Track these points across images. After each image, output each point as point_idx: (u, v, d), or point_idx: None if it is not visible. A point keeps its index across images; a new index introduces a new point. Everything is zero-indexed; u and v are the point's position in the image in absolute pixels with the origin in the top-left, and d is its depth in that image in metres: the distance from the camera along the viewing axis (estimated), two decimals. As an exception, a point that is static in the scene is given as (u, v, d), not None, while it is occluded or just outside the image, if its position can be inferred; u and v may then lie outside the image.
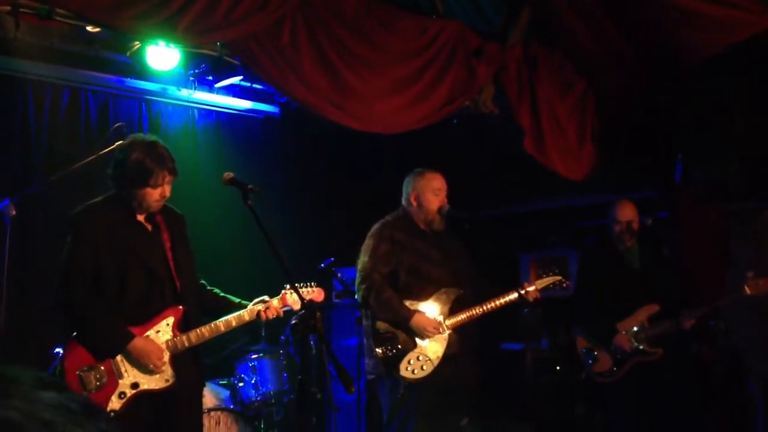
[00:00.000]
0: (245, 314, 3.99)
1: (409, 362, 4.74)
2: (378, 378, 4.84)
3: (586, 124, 6.37)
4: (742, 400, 6.05)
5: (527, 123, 6.01)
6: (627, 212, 5.56)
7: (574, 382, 5.98)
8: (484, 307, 4.87)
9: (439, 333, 4.78)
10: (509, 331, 6.89)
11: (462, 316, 4.85)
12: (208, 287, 4.18)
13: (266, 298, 4.06)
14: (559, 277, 5.10)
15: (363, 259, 4.90)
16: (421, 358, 4.75)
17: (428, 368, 4.75)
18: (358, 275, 4.89)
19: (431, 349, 4.79)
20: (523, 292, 4.87)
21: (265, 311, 4.00)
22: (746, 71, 5.86)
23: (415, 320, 4.74)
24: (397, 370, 4.72)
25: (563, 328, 6.54)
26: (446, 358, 4.79)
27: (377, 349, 4.74)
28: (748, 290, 5.26)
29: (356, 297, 4.87)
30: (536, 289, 4.95)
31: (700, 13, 5.39)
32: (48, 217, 5.30)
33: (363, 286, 4.80)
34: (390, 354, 4.73)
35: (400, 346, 4.75)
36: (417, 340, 4.79)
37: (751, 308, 5.72)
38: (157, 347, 3.75)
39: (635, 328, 5.37)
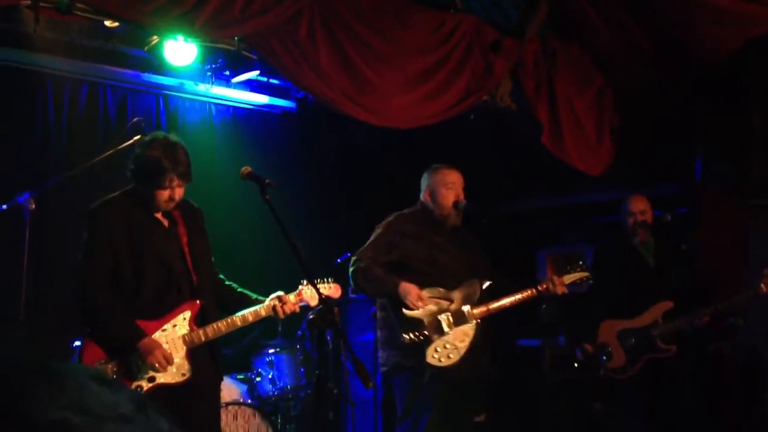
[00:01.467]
0: (262, 310, 3.99)
1: (436, 350, 4.62)
2: (392, 370, 4.77)
3: (605, 119, 6.32)
4: (760, 398, 6.00)
5: (545, 118, 5.97)
6: (639, 204, 5.51)
7: (592, 379, 5.95)
8: (512, 298, 4.80)
9: (420, 306, 4.64)
10: (527, 326, 6.86)
11: (491, 306, 4.77)
12: (227, 282, 4.19)
13: (282, 293, 4.06)
14: (587, 273, 5.01)
15: (363, 246, 4.85)
16: (448, 346, 4.64)
17: (455, 357, 4.64)
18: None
19: (458, 337, 4.68)
20: (551, 285, 4.83)
21: (281, 307, 4.00)
22: (766, 66, 5.80)
23: (402, 287, 4.59)
24: (425, 356, 4.60)
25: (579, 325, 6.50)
26: (471, 347, 4.70)
27: (404, 335, 4.60)
28: (764, 287, 5.19)
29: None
30: (563, 284, 4.91)
31: (720, 7, 5.34)
32: (67, 211, 5.33)
33: (352, 268, 4.73)
34: (417, 340, 4.60)
35: (426, 333, 4.63)
36: (444, 327, 4.65)
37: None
38: (163, 348, 3.73)
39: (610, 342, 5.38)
